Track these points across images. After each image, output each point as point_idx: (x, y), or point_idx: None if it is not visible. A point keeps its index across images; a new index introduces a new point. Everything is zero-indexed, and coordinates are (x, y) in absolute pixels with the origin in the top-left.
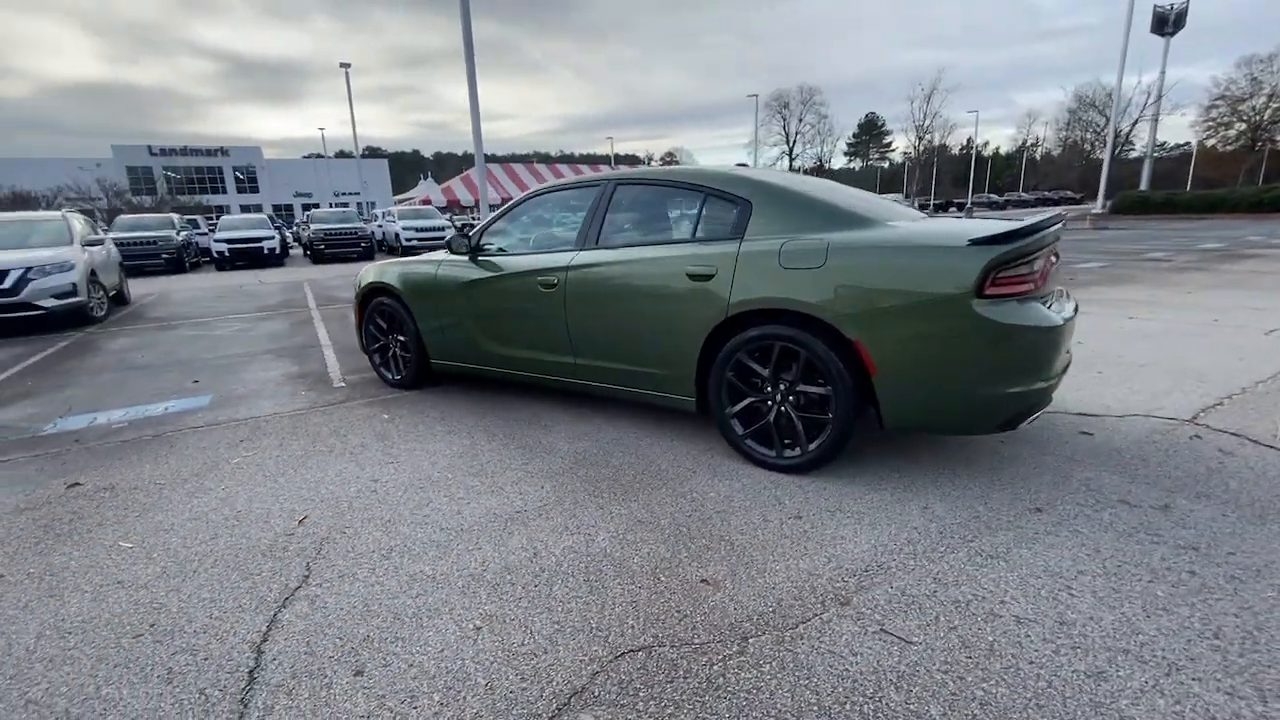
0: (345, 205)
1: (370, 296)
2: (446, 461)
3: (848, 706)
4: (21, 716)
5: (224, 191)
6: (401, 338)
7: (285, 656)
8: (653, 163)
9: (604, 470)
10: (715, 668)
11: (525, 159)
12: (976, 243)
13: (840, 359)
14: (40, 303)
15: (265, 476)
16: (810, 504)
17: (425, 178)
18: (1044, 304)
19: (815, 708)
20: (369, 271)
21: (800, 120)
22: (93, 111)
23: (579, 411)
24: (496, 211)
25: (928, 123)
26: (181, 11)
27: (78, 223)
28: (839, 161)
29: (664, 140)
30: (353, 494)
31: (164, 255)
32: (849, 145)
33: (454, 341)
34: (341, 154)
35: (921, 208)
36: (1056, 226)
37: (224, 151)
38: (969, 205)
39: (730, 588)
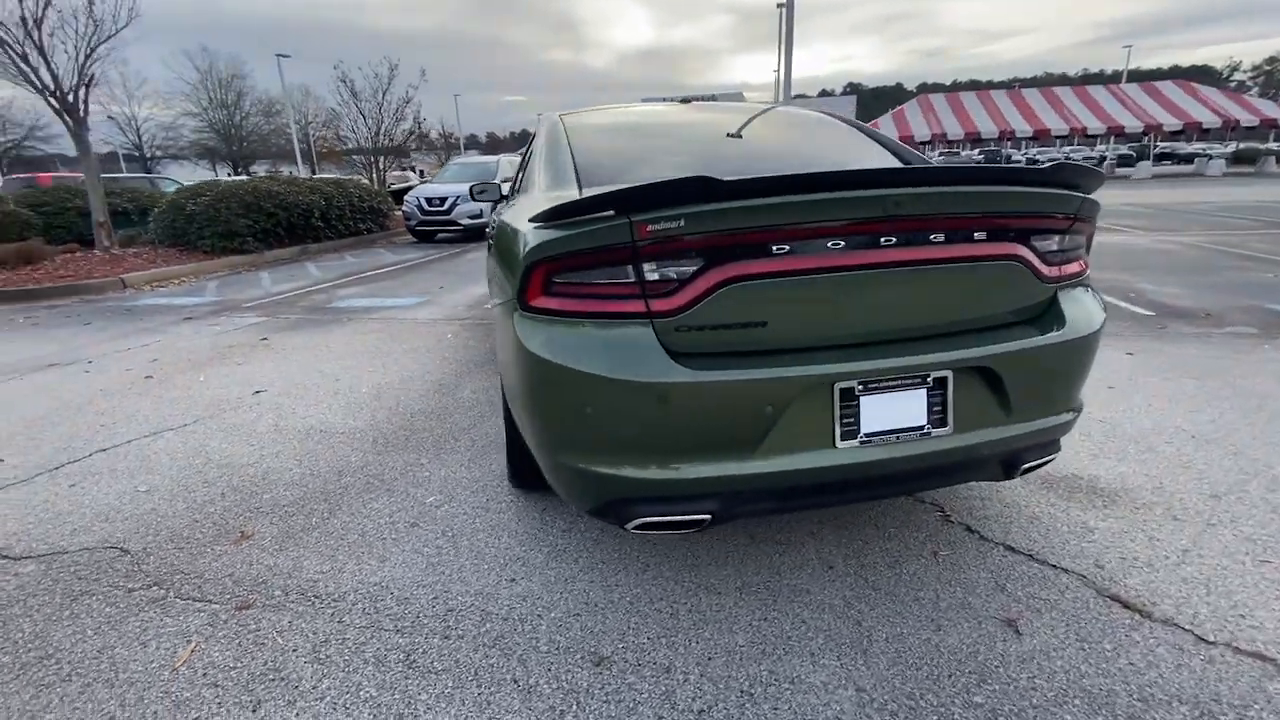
0: None
1: None
2: None
3: None
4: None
5: None
6: None
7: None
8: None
9: None
10: None
11: (1025, 84)
12: (535, 220)
13: None
14: (460, 221)
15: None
16: None
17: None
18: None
19: None
20: None
21: None
22: (645, 71)
23: None
24: None
25: None
26: None
27: (506, 164)
28: None
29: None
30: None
31: None
32: None
33: None
34: (824, 93)
35: None
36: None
37: (712, 98)
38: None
39: None
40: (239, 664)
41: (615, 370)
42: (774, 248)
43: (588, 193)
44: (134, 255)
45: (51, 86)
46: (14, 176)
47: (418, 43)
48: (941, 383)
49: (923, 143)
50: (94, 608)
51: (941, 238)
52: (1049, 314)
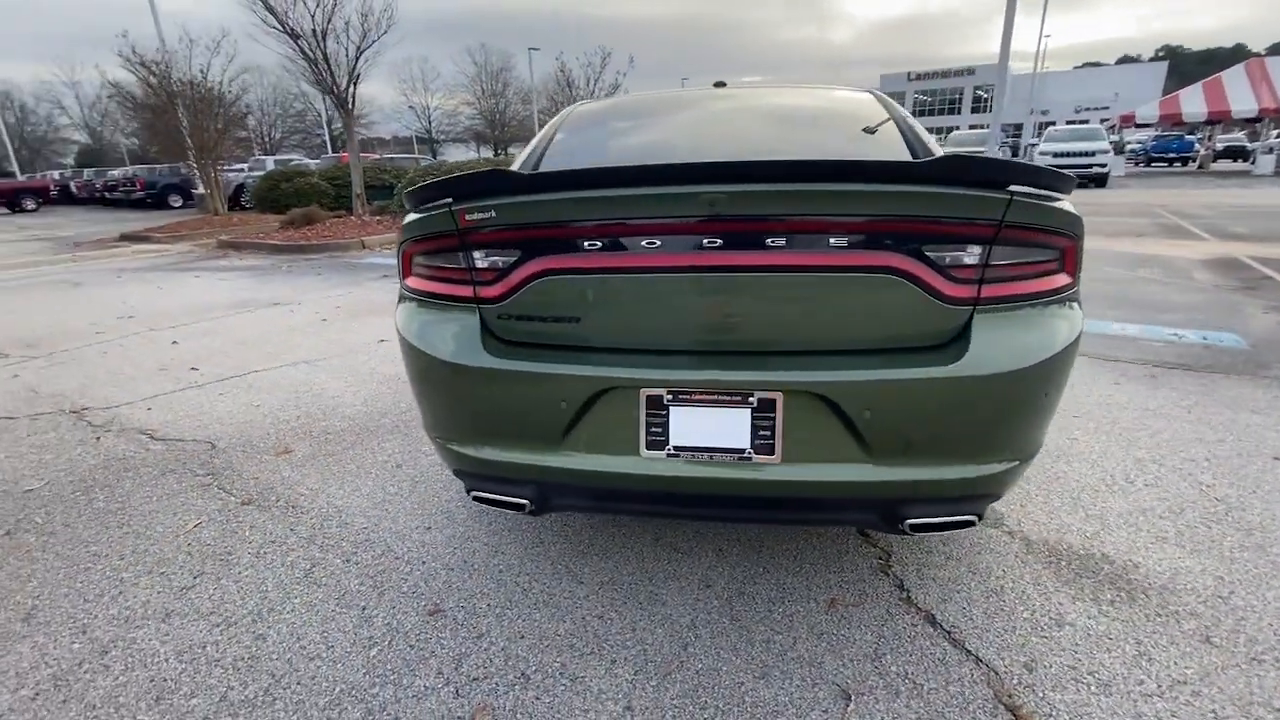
0: (1084, 122)
1: None
2: None
3: None
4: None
5: (959, 112)
6: None
7: None
8: None
9: None
10: None
11: None
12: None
13: None
14: None
15: None
16: None
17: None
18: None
19: None
20: None
21: None
22: (891, 44)
23: None
24: None
25: None
26: None
27: None
28: None
29: None
30: None
31: None
32: None
33: None
34: (1126, 59)
35: None
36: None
37: (969, 71)
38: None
39: None
40: (212, 542)
41: (441, 351)
42: (585, 243)
43: None
44: (378, 222)
45: (330, 84)
46: (329, 155)
47: (661, 27)
48: (769, 405)
49: (1240, 120)
50: (165, 482)
51: (783, 242)
52: (957, 342)
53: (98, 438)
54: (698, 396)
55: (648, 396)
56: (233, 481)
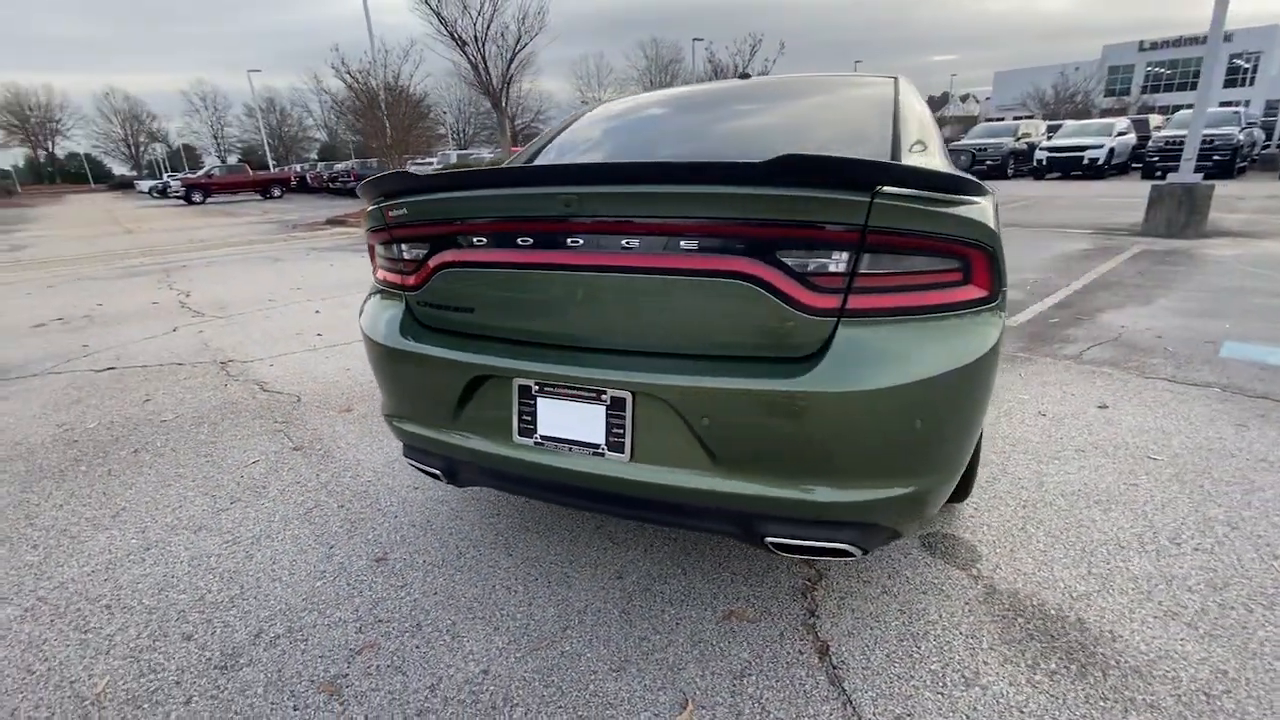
0: None
1: None
2: None
3: None
4: None
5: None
6: None
7: None
8: None
9: None
10: None
11: None
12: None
13: None
14: None
15: None
16: None
17: None
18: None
19: None
20: None
21: None
22: (1119, 7)
23: None
24: None
25: None
26: None
27: None
28: None
29: None
30: None
31: (988, 162)
32: None
33: None
34: None
35: None
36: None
37: (1225, 38)
38: None
39: None
40: (258, 477)
41: (374, 333)
42: (472, 239)
43: None
44: None
45: (486, 85)
46: (511, 149)
47: (849, 6)
48: (621, 404)
49: None
50: (251, 425)
51: (635, 244)
52: (817, 355)
53: (226, 385)
54: (560, 390)
55: (519, 386)
56: (296, 430)
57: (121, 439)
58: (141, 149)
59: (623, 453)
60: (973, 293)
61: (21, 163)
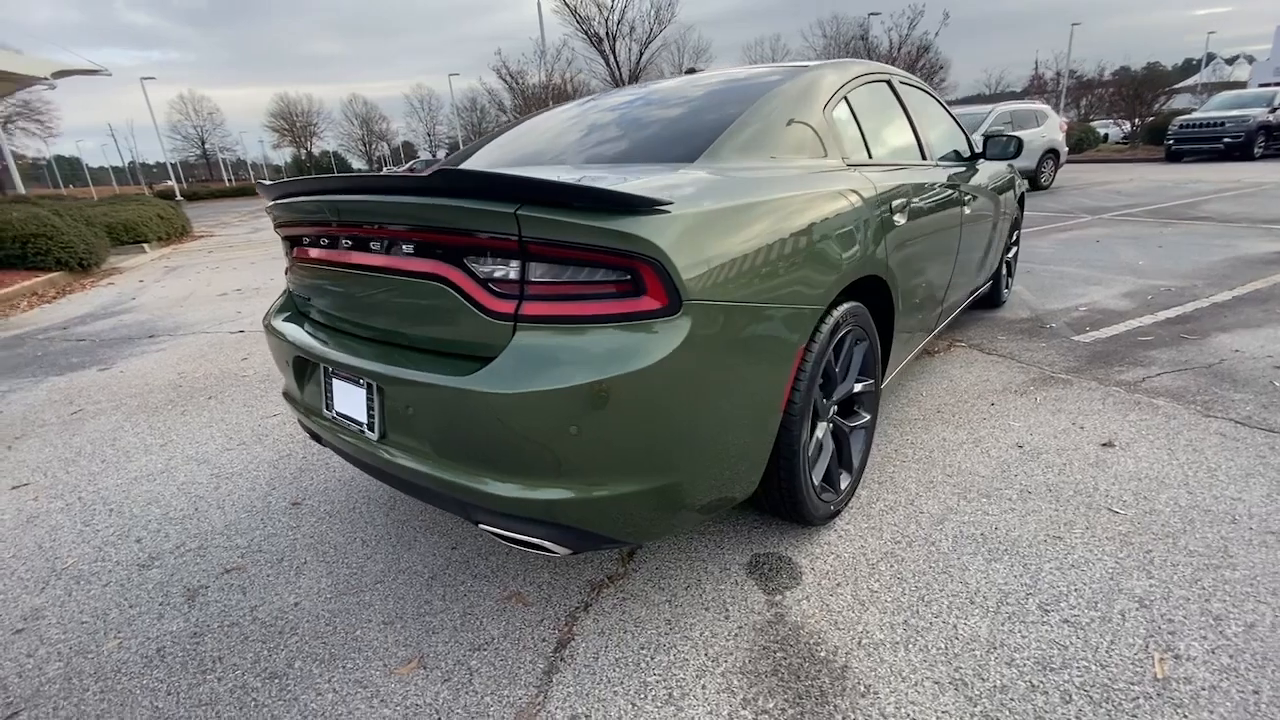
0: None
1: None
2: None
3: None
4: None
5: None
6: None
7: None
8: None
9: None
10: None
11: None
12: None
13: None
14: None
15: None
16: None
17: None
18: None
19: None
20: None
21: None
22: None
23: None
24: None
25: None
26: None
27: (999, 115)
28: None
29: None
30: None
31: (1225, 140)
32: None
33: None
34: None
35: None
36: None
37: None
38: None
39: None
40: (271, 427)
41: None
42: (300, 238)
43: None
44: None
45: (616, 80)
46: None
47: None
48: (372, 389)
49: None
50: None
51: (378, 247)
52: (498, 355)
53: None
54: (339, 373)
55: (324, 367)
56: None
57: (208, 388)
58: (372, 146)
59: (374, 432)
60: (648, 304)
61: (289, 160)
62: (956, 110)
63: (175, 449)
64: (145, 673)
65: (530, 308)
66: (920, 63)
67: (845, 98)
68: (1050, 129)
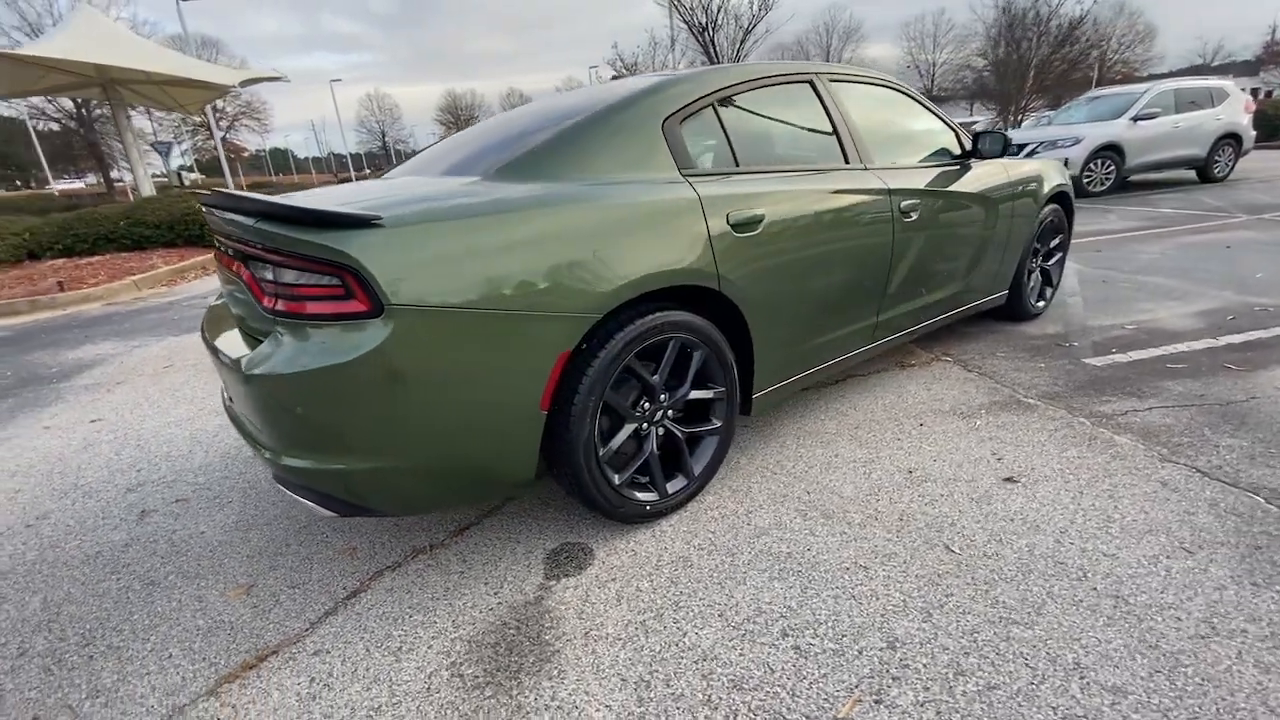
0: None
1: None
2: None
3: None
4: None
5: None
6: None
7: None
8: None
9: None
10: None
11: None
12: None
13: None
14: None
15: None
16: None
17: None
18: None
19: None
20: None
21: None
22: None
23: None
24: None
25: None
26: None
27: (1153, 97)
28: None
29: None
30: None
31: None
32: None
33: None
34: None
35: None
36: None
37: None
38: None
39: None
40: None
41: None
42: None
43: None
44: None
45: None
46: None
47: None
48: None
49: None
50: None
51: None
52: (262, 344)
53: None
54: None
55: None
56: None
57: None
58: None
59: (229, 398)
60: (355, 306)
61: None
62: (1109, 91)
63: (208, 402)
64: (78, 566)
65: (281, 304)
66: (1078, 33)
67: (713, 105)
68: (1230, 110)
